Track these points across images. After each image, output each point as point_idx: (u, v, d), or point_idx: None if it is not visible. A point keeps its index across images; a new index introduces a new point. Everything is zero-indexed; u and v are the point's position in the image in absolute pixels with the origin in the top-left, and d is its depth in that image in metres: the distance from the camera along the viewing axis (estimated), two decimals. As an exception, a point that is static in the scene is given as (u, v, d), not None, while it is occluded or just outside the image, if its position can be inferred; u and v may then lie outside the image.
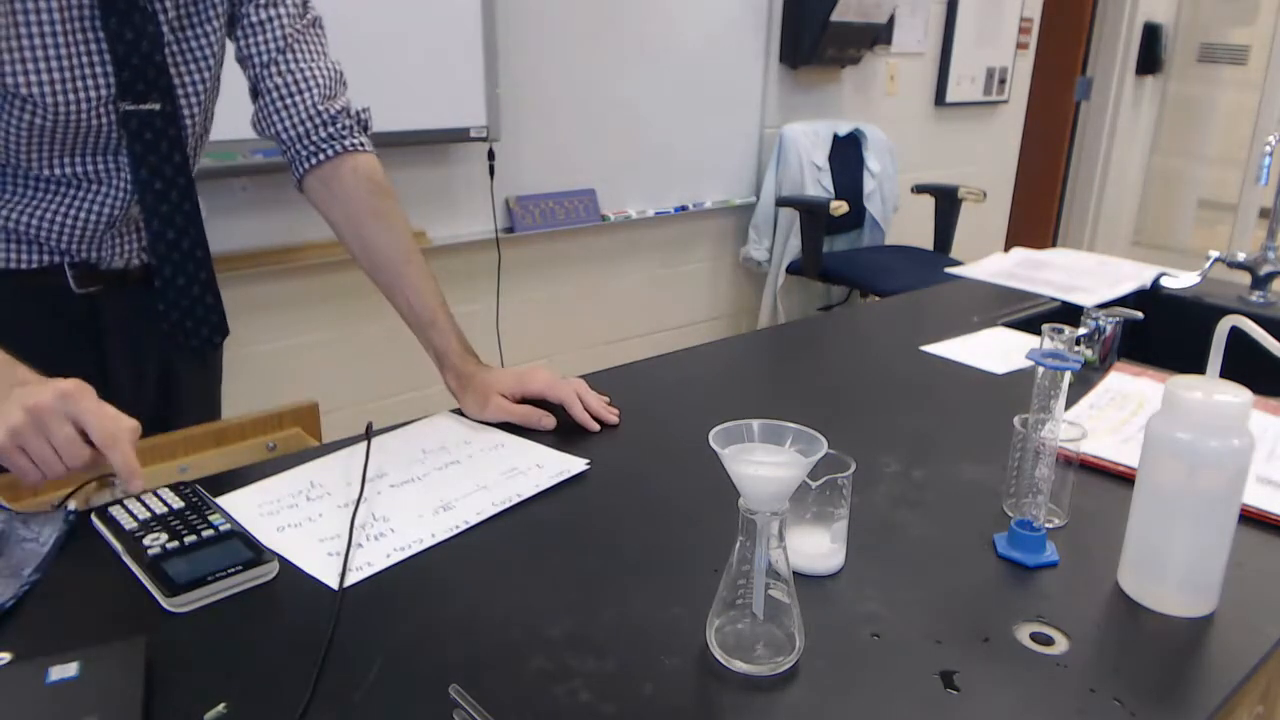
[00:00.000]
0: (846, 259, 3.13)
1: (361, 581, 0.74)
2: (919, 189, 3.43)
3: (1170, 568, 0.72)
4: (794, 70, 3.19)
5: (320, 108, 1.06)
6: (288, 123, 1.05)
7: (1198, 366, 0.72)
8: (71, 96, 0.90)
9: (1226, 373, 0.70)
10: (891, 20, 3.36)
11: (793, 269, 3.17)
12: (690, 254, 3.15)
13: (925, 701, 0.62)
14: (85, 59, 0.90)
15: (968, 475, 0.94)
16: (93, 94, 0.91)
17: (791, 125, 3.16)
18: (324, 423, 1.10)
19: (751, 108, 3.16)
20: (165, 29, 0.96)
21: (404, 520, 0.83)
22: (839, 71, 3.36)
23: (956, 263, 1.88)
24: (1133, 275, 1.70)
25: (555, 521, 0.84)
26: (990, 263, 1.81)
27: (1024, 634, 0.69)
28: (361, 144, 1.09)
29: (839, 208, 2.91)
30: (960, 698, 0.62)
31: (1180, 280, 1.69)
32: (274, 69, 1.04)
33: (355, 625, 0.68)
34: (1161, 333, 1.59)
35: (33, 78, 0.87)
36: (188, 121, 1.01)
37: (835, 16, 3.03)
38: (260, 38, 1.04)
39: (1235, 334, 0.70)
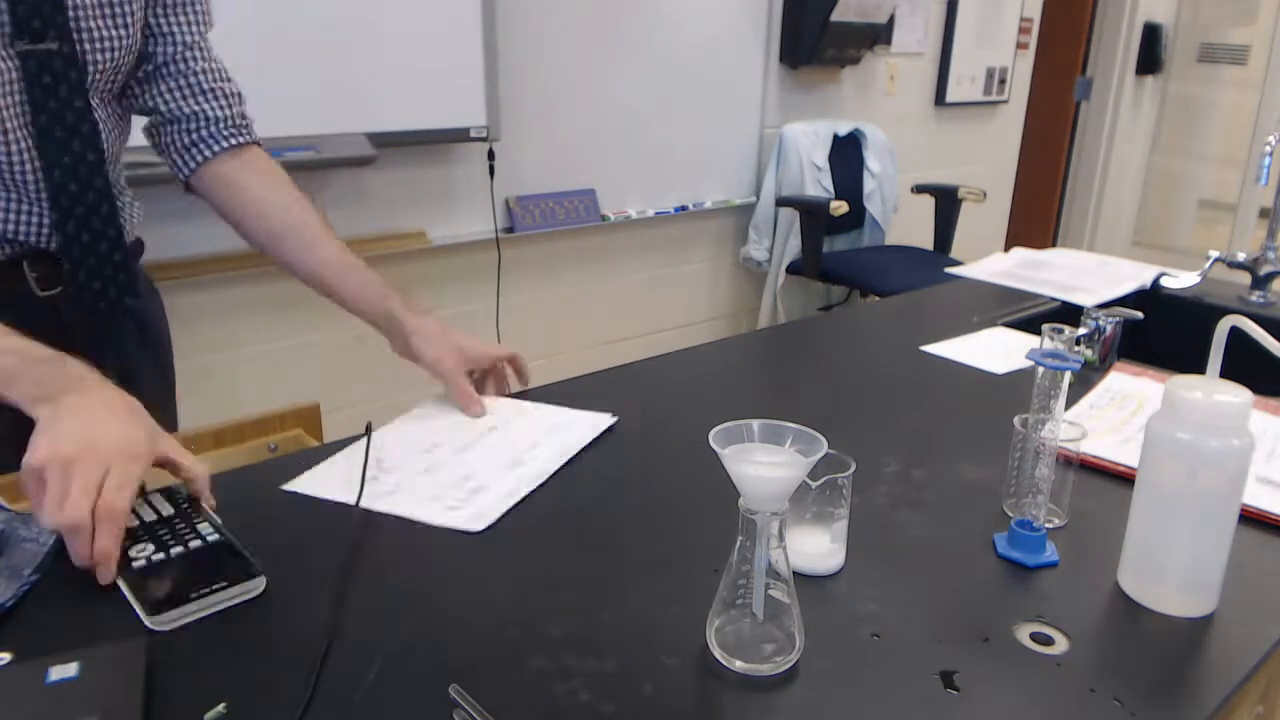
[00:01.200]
0: (846, 259, 3.13)
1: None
2: (919, 189, 3.43)
3: (1170, 568, 0.72)
4: (794, 70, 3.19)
5: (219, 112, 1.06)
6: (215, 103, 1.04)
7: (1198, 366, 0.72)
8: None
9: (1226, 373, 0.70)
10: (891, 20, 3.36)
11: (793, 269, 3.17)
12: (690, 254, 3.15)
13: (925, 701, 0.62)
14: None
15: (968, 475, 0.94)
16: None
17: (791, 125, 3.16)
18: (324, 423, 1.10)
19: (751, 108, 3.16)
20: None
21: (490, 475, 0.90)
22: (839, 71, 3.36)
23: (956, 263, 1.88)
24: (1133, 275, 1.70)
25: (555, 521, 0.84)
26: (990, 263, 1.81)
27: (1024, 634, 0.69)
28: (251, 140, 1.09)
29: (839, 208, 2.91)
30: (960, 698, 0.62)
31: (1180, 280, 1.69)
32: (197, 52, 1.03)
33: (355, 625, 0.68)
34: (1161, 333, 1.59)
35: None
36: (90, 64, 0.95)
37: (835, 16, 3.03)
38: (182, 18, 1.02)
39: (1235, 334, 0.70)
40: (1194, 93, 5.03)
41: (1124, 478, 0.92)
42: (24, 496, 0.85)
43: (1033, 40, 4.18)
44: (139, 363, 1.09)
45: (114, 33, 0.95)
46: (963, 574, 0.77)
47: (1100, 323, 1.24)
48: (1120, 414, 1.08)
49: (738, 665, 0.65)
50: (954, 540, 0.82)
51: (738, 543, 0.65)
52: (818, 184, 3.15)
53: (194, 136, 1.05)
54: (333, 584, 0.73)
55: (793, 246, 3.15)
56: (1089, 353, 1.25)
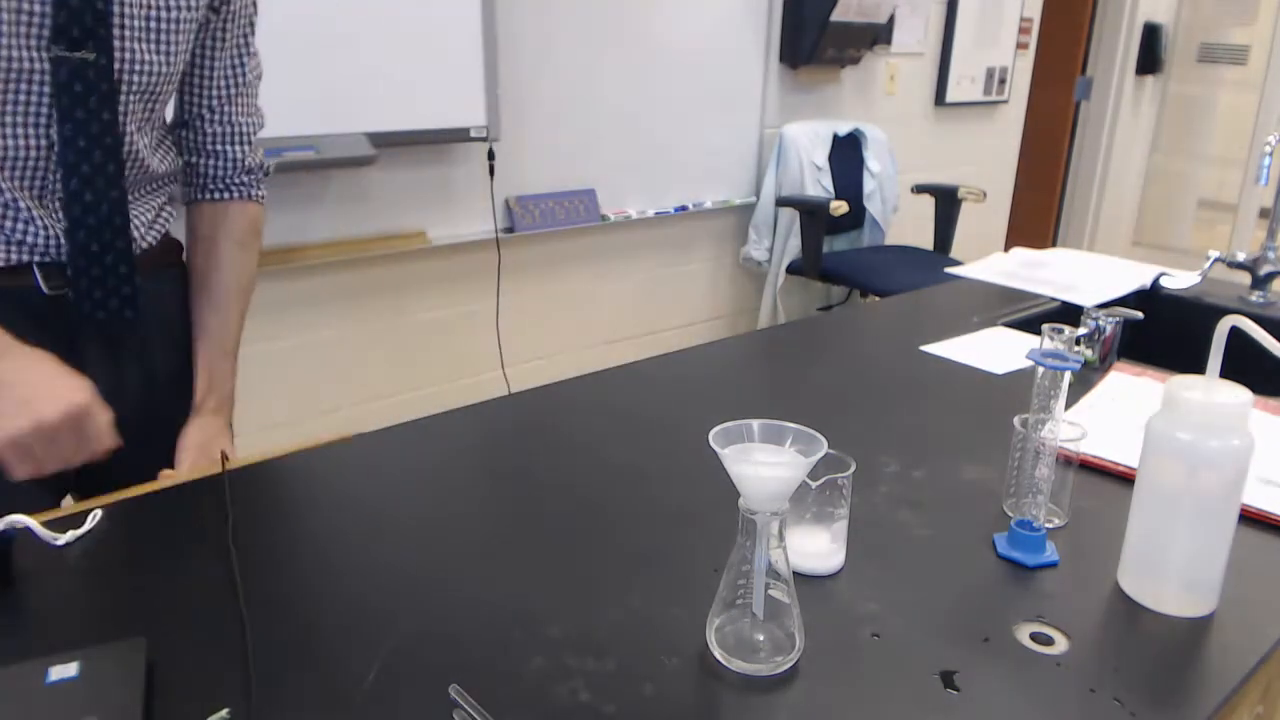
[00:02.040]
0: (846, 259, 3.13)
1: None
2: (919, 189, 3.43)
3: (1170, 568, 0.72)
4: (794, 70, 3.19)
5: (248, 160, 1.12)
6: (217, 164, 1.10)
7: (1198, 366, 0.72)
8: (6, 29, 0.84)
9: (1226, 373, 0.70)
10: (891, 20, 3.36)
11: (793, 269, 3.17)
12: (690, 254, 3.15)
13: (925, 701, 0.62)
14: None
15: (968, 475, 0.94)
16: (28, 26, 0.85)
17: (791, 125, 3.16)
18: (323, 423, 1.10)
19: (751, 108, 3.16)
20: None
21: None
22: (839, 71, 3.36)
23: (956, 263, 1.88)
24: (1133, 275, 1.71)
25: (555, 521, 0.84)
26: (990, 263, 1.81)
27: (1024, 634, 0.69)
28: (262, 196, 1.16)
29: (839, 208, 2.91)
30: (960, 698, 0.62)
31: (1180, 280, 1.69)
32: (224, 111, 1.09)
33: (355, 625, 0.68)
34: (1161, 333, 1.59)
35: None
36: (125, 83, 0.95)
37: (835, 16, 3.03)
38: (219, 72, 1.07)
39: (1235, 334, 0.70)
40: (1194, 93, 5.03)
41: (1124, 478, 0.92)
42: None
43: (1033, 40, 4.18)
44: (162, 364, 1.09)
45: (155, 58, 0.96)
46: (963, 574, 0.77)
47: (1100, 323, 1.24)
48: (1120, 414, 1.08)
49: (737, 665, 0.65)
50: (954, 540, 0.82)
51: (737, 542, 0.65)
52: (818, 184, 3.15)
53: (196, 178, 1.12)
54: (337, 587, 0.73)
55: (793, 246, 3.15)
56: (1089, 353, 1.25)
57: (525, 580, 0.75)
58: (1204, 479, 0.69)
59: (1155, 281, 1.68)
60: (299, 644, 0.66)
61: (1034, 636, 0.69)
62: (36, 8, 0.85)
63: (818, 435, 0.63)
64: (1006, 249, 1.93)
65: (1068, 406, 0.87)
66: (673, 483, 0.92)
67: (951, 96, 3.83)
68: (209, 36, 1.05)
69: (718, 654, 0.66)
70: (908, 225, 3.55)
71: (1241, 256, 1.65)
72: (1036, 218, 4.99)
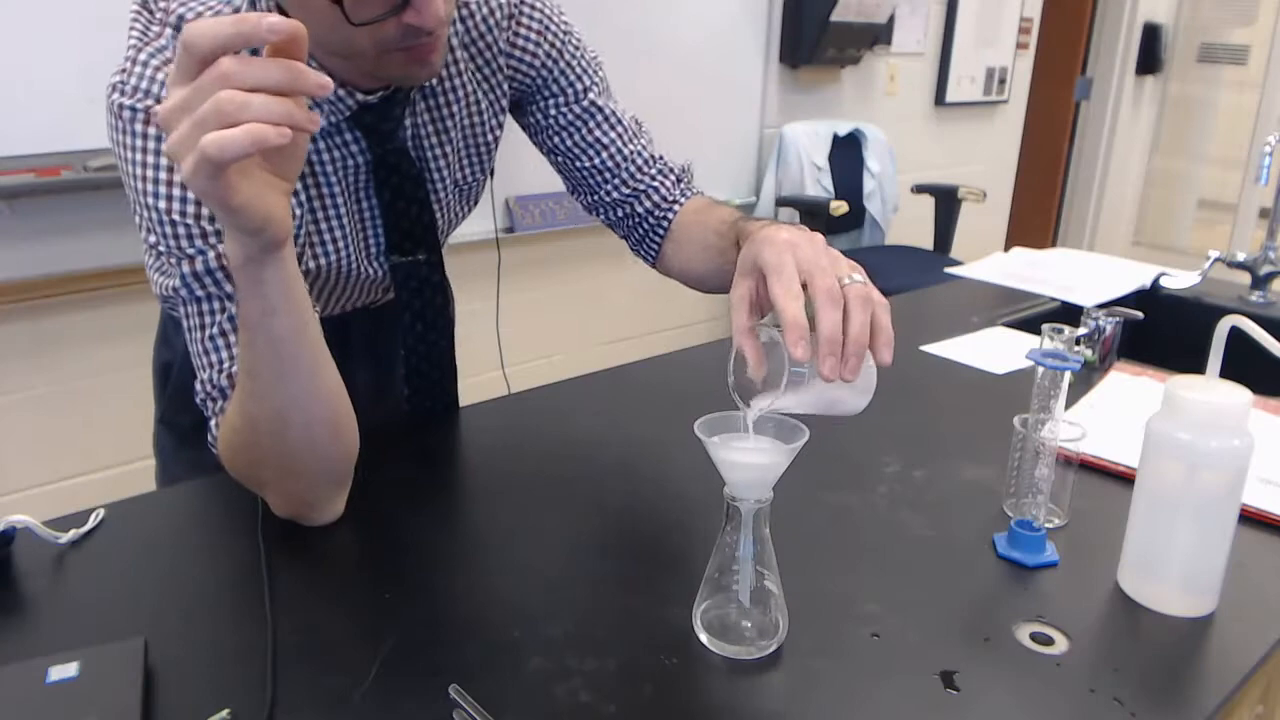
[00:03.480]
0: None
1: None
2: (919, 189, 3.43)
3: (1170, 568, 0.72)
4: (794, 70, 3.19)
5: (664, 187, 1.16)
6: (647, 204, 1.14)
7: (1198, 366, 0.72)
8: (353, 256, 0.95)
9: (1226, 373, 0.70)
10: (891, 20, 3.36)
11: (793, 269, 3.16)
12: (690, 254, 3.15)
13: (925, 701, 0.62)
14: (363, 227, 0.95)
15: (968, 475, 0.94)
16: (369, 250, 0.96)
17: (791, 125, 3.16)
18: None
19: (751, 108, 3.15)
20: (439, 188, 1.01)
21: None
22: (839, 71, 3.36)
23: (956, 263, 1.88)
24: (1133, 275, 1.70)
25: (555, 521, 0.84)
26: (990, 263, 1.81)
27: (1024, 634, 0.69)
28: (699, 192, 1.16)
29: (839, 208, 2.91)
30: (960, 698, 0.62)
31: (1180, 280, 1.69)
32: (621, 178, 1.15)
33: (355, 625, 0.68)
34: (1161, 333, 1.59)
35: (330, 250, 0.92)
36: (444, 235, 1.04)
37: (835, 16, 3.03)
38: (599, 156, 1.15)
39: (1235, 334, 0.70)
40: (1194, 93, 5.03)
41: (1124, 478, 0.92)
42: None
43: (1033, 40, 4.18)
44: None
45: (464, 210, 1.11)
46: (963, 574, 0.77)
47: (1100, 323, 1.24)
48: (1120, 414, 1.08)
49: (720, 648, 0.66)
50: (954, 540, 0.82)
51: (722, 528, 0.65)
52: (818, 184, 3.15)
53: (636, 236, 1.14)
54: (341, 588, 0.73)
55: (793, 246, 3.14)
56: (1089, 353, 1.25)
57: (525, 580, 0.75)
58: (1204, 479, 0.69)
59: (1155, 281, 1.68)
60: (298, 644, 0.66)
61: (1034, 636, 0.69)
62: (371, 232, 0.95)
63: (801, 425, 0.64)
64: (1006, 249, 1.93)
65: (1068, 406, 0.87)
66: (673, 482, 0.92)
67: (951, 96, 3.83)
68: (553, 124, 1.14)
69: (703, 638, 0.66)
70: (908, 225, 3.55)
71: (1241, 256, 1.65)
72: (1036, 218, 4.99)
